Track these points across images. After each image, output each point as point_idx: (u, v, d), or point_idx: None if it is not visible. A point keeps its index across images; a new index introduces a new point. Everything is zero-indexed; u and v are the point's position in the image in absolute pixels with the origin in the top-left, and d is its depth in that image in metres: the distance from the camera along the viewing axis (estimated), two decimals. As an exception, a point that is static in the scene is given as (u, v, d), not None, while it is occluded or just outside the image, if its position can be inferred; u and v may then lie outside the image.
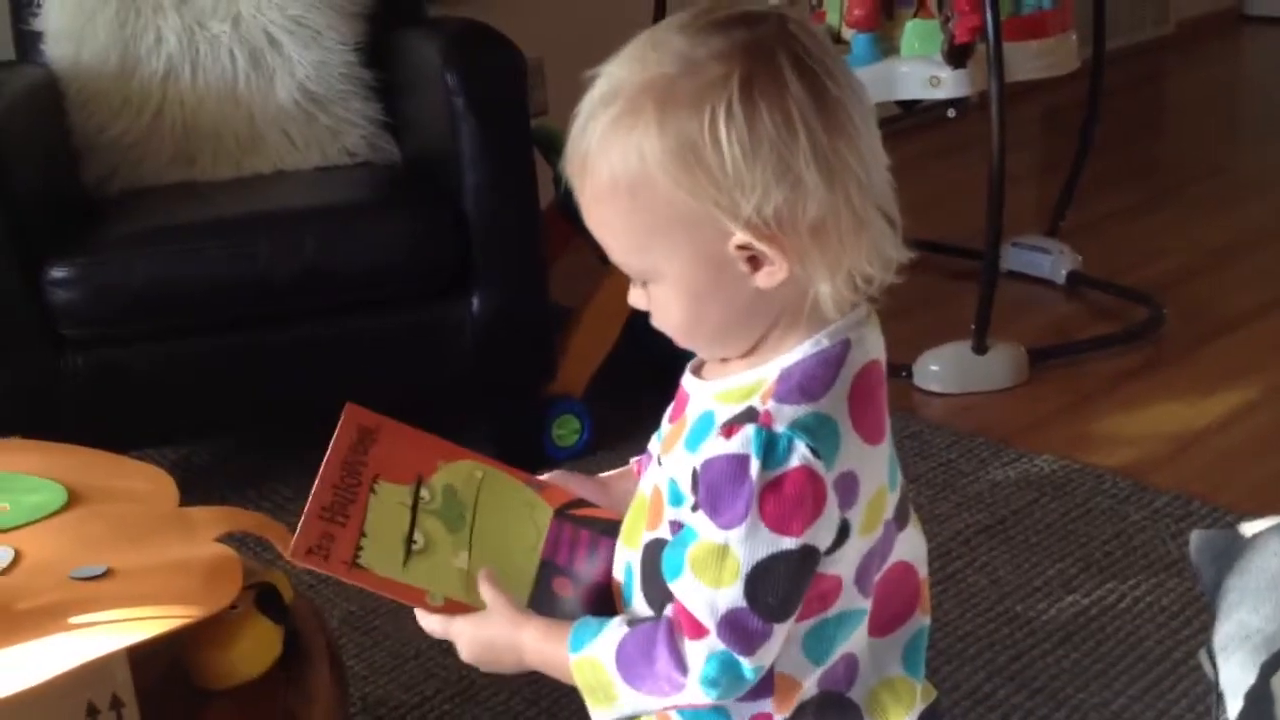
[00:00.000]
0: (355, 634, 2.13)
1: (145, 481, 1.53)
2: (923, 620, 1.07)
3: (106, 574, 1.30)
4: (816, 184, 0.92)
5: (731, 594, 0.94)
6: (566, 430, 2.64)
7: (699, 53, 0.93)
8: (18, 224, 2.30)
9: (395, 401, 2.54)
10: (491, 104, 2.46)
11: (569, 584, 1.10)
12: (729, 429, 0.94)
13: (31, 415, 2.31)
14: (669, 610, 0.98)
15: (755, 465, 0.92)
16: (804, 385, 0.95)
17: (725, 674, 0.95)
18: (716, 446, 0.94)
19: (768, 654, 0.96)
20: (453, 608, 1.07)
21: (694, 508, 0.96)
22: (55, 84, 2.63)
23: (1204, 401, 2.76)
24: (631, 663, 0.98)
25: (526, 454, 2.59)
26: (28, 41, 2.71)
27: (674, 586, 0.97)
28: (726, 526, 0.93)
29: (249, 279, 2.37)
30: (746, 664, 0.95)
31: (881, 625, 1.04)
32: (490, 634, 1.05)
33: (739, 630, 0.94)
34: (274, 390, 2.48)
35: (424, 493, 1.11)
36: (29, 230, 2.33)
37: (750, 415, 0.94)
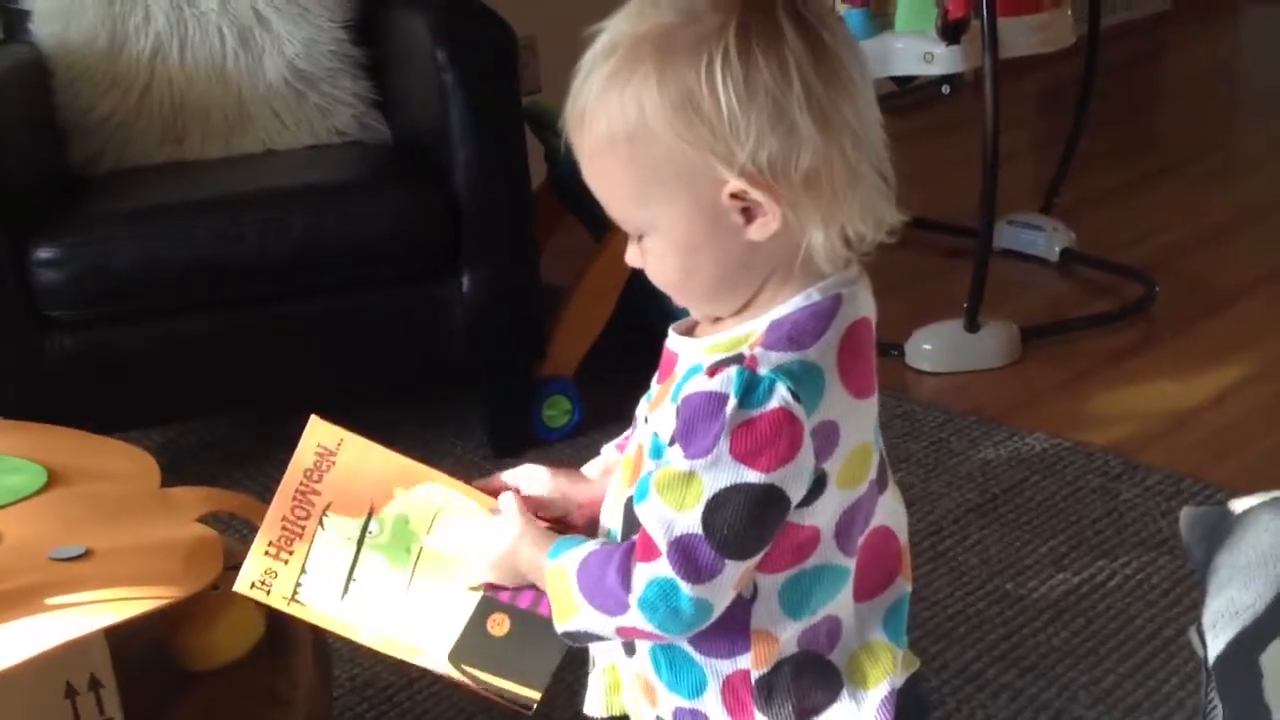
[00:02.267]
0: (344, 614, 2.12)
1: (127, 462, 1.52)
2: (904, 587, 1.08)
3: (85, 555, 1.28)
4: (811, 133, 0.93)
5: (689, 519, 0.94)
6: (557, 411, 2.63)
7: (698, 4, 0.94)
8: (4, 204, 2.29)
9: (385, 382, 2.57)
10: (482, 81, 2.45)
11: (506, 620, 1.12)
12: (714, 370, 0.95)
13: (17, 397, 2.30)
14: (635, 535, 0.99)
15: (731, 403, 0.93)
16: (793, 335, 0.96)
17: (663, 600, 0.96)
18: (698, 384, 0.95)
19: (715, 592, 0.96)
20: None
21: (670, 441, 0.97)
22: (42, 63, 2.61)
23: (1197, 379, 2.75)
24: (589, 576, 1.00)
25: (517, 435, 2.59)
26: (14, 20, 2.70)
27: (638, 509, 0.98)
28: (693, 456, 0.94)
29: (237, 259, 2.36)
30: (686, 592, 0.95)
31: (864, 590, 1.05)
32: (501, 537, 1.09)
33: (688, 556, 0.95)
34: (262, 371, 2.47)
35: (373, 525, 1.14)
36: (15, 210, 2.31)
37: (736, 359, 0.95)
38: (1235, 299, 3.10)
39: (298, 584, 1.13)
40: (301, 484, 1.15)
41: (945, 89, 3.01)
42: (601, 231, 2.71)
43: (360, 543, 1.14)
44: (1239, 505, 1.58)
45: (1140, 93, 4.87)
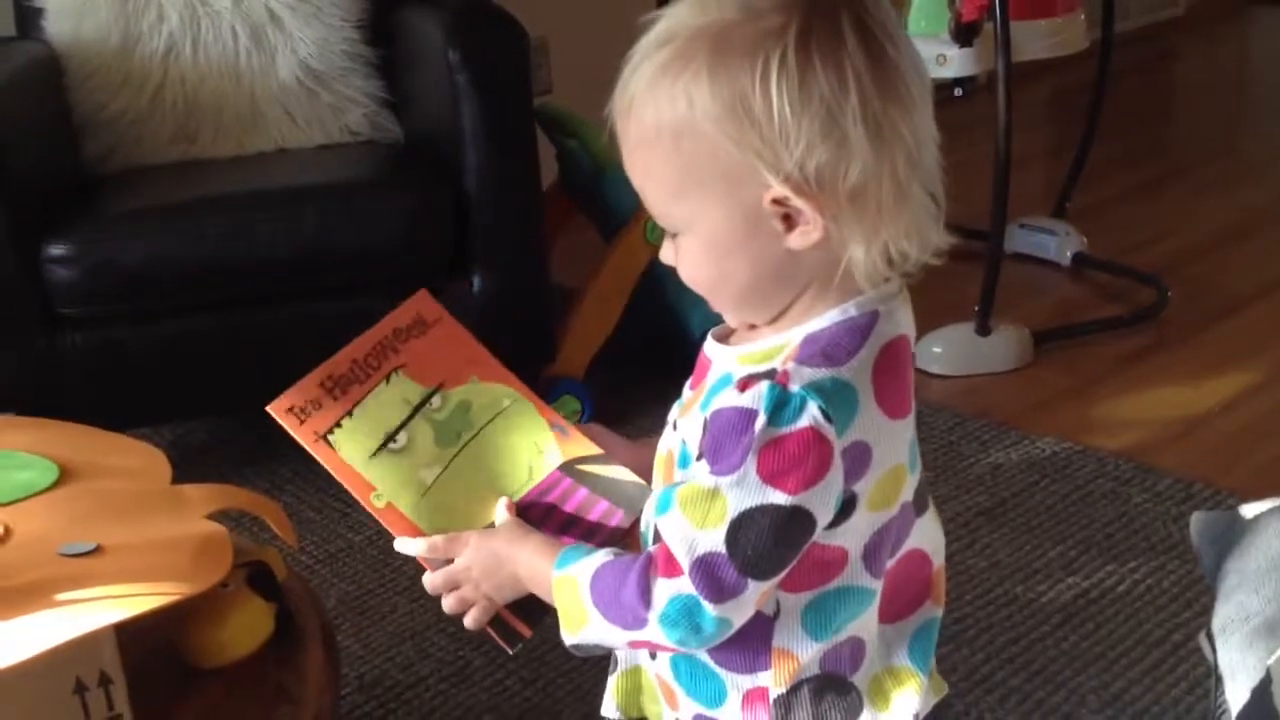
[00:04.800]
0: (352, 614, 2.13)
1: (137, 459, 1.52)
2: (934, 610, 1.06)
3: (96, 551, 1.29)
4: (863, 147, 0.91)
5: (713, 537, 0.93)
6: (566, 411, 2.63)
7: (760, 3, 0.91)
8: (16, 202, 2.29)
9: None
10: (493, 82, 2.45)
11: None
12: (745, 383, 0.93)
13: (29, 394, 2.30)
14: (652, 547, 0.97)
15: (761, 420, 0.91)
16: (828, 351, 0.94)
17: (685, 618, 0.94)
18: (729, 399, 0.93)
19: (737, 610, 0.95)
20: (392, 516, 1.09)
21: (699, 456, 0.95)
22: (55, 61, 2.62)
23: (1208, 383, 2.75)
24: (604, 588, 0.99)
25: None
26: (28, 18, 2.70)
27: (660, 522, 0.96)
28: (719, 474, 0.92)
29: (248, 257, 2.37)
30: (710, 611, 0.94)
31: (891, 612, 1.03)
32: (496, 544, 1.07)
33: (711, 575, 0.93)
34: (272, 370, 2.45)
35: (435, 399, 1.12)
36: (27, 208, 2.32)
37: (769, 374, 0.93)
38: (1247, 304, 3.10)
39: (337, 424, 1.11)
40: (386, 338, 1.14)
41: (958, 91, 3.00)
42: (612, 232, 2.71)
43: (416, 410, 1.12)
44: (1249, 510, 1.57)
45: (1152, 97, 4.86)
